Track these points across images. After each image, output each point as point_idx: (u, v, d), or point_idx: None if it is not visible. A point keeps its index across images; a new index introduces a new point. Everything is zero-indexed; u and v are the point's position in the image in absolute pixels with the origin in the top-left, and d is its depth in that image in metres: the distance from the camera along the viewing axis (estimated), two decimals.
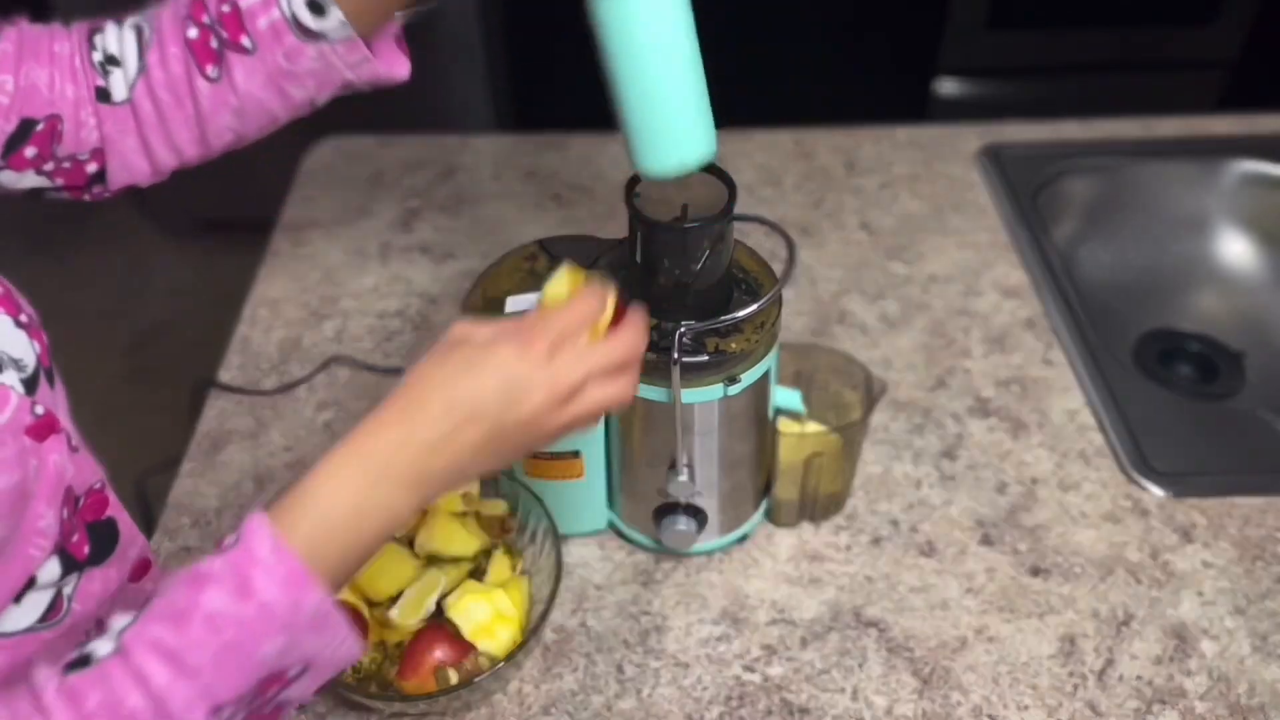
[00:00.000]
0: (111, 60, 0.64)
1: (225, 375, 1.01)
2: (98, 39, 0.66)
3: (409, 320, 1.07)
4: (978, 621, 0.80)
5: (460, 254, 1.15)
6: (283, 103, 0.67)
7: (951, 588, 0.82)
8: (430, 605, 0.76)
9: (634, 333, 0.58)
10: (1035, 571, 0.83)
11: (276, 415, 0.97)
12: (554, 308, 0.58)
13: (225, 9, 0.63)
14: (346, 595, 0.76)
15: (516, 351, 0.54)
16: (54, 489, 0.56)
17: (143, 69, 0.64)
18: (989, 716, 0.74)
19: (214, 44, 0.63)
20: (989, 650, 0.78)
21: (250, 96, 0.65)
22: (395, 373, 1.01)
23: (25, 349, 0.57)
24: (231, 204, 2.13)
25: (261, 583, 0.48)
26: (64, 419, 0.59)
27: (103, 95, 0.65)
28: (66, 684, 0.46)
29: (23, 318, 0.58)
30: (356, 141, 1.32)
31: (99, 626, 0.63)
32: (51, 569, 0.57)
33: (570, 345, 0.55)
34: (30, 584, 0.56)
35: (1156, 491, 0.89)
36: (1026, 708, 0.74)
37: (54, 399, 0.59)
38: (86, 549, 0.60)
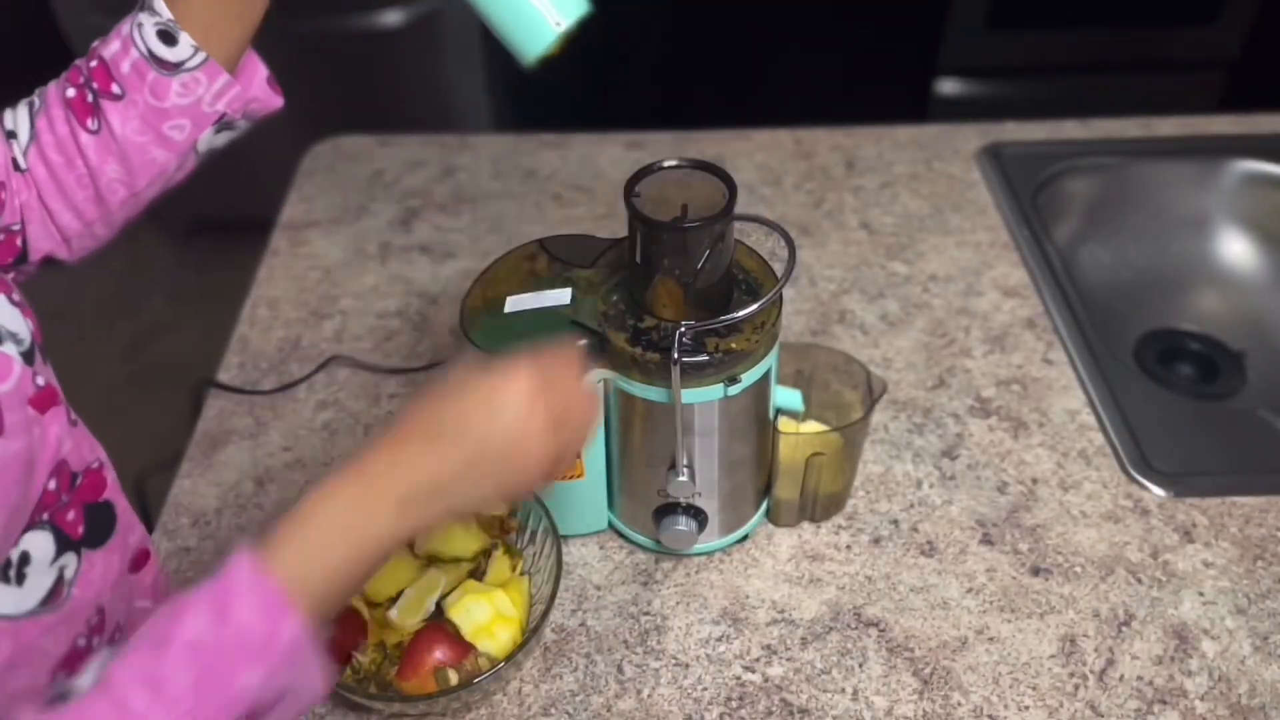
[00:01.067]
0: (11, 134, 0.68)
1: (225, 375, 1.01)
2: (6, 114, 0.69)
3: (409, 320, 1.07)
4: (978, 621, 0.80)
5: (460, 254, 1.15)
6: (163, 146, 0.68)
7: (952, 588, 0.82)
8: (430, 605, 0.76)
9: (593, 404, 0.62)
10: (1035, 571, 0.83)
11: (276, 415, 0.97)
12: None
13: (94, 64, 0.67)
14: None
15: (501, 378, 0.56)
16: (52, 461, 0.57)
17: (33, 135, 0.67)
18: (989, 717, 0.74)
19: (89, 98, 0.67)
20: (989, 650, 0.78)
21: (129, 142, 0.67)
22: (395, 373, 1.01)
23: (20, 324, 0.59)
24: (231, 204, 2.13)
25: (239, 609, 0.48)
26: (61, 394, 0.60)
27: (15, 166, 0.68)
28: (45, 717, 0.46)
29: (15, 297, 0.60)
30: (356, 141, 1.32)
31: (99, 614, 0.63)
32: (44, 544, 0.58)
33: (548, 383, 0.58)
34: (25, 560, 0.57)
35: (1157, 491, 0.89)
36: (1027, 708, 0.74)
37: (49, 375, 0.60)
38: (81, 529, 0.61)
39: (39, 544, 0.58)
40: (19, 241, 0.68)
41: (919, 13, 1.97)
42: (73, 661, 0.62)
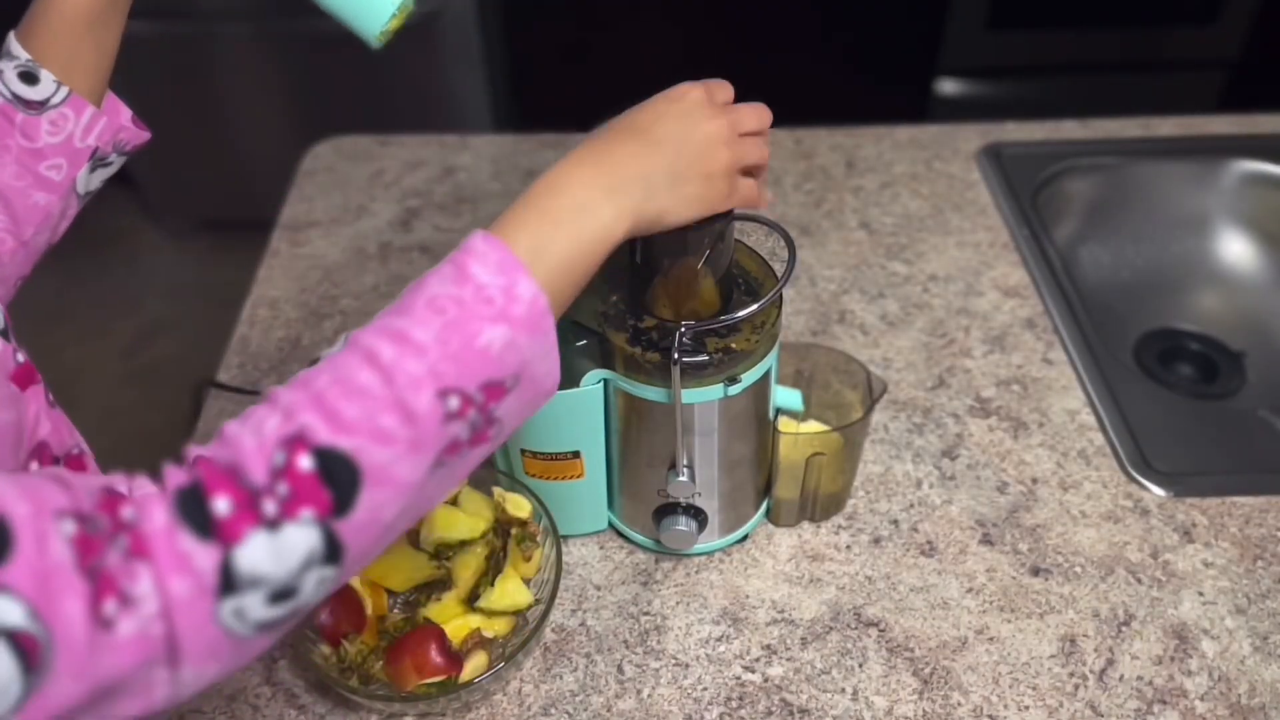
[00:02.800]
0: None
1: (225, 375, 1.01)
2: None
3: None
4: (978, 621, 0.80)
5: None
6: (43, 189, 0.68)
7: (952, 588, 0.82)
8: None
9: (764, 110, 0.66)
10: (1035, 571, 0.83)
11: None
12: None
13: None
14: (357, 585, 0.76)
15: (701, 92, 0.62)
16: (32, 440, 0.57)
17: None
18: (989, 717, 0.74)
19: None
20: (989, 650, 0.78)
21: (9, 188, 0.67)
22: None
23: None
24: (231, 204, 2.13)
25: (476, 269, 0.51)
26: (38, 373, 0.60)
27: None
28: (297, 378, 0.48)
29: None
30: (356, 141, 1.32)
31: None
32: None
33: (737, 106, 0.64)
34: None
35: (1157, 491, 0.89)
36: (1027, 708, 0.74)
37: (25, 355, 0.60)
38: None
39: None
40: None
41: (919, 13, 1.97)
42: None
